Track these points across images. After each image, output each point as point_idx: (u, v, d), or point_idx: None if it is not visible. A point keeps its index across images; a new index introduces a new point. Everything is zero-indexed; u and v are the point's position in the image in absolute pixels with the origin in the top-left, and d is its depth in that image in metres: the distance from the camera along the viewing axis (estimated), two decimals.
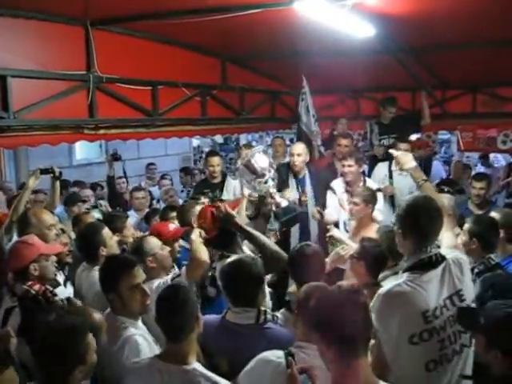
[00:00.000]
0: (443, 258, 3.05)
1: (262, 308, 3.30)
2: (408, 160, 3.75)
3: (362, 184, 6.36)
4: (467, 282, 3.11)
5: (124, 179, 8.89)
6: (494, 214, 4.59)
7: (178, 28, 5.45)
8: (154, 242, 4.22)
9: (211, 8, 5.00)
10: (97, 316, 3.16)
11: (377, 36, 5.55)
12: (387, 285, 3.10)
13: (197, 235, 4.00)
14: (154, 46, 6.30)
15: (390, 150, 4.11)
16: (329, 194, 6.42)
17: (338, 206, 6.29)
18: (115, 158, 8.11)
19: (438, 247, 3.18)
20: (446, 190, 6.07)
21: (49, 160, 10.19)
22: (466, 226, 4.23)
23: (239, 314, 3.25)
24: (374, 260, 4.06)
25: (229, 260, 3.54)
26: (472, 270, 3.94)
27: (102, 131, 5.82)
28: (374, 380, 2.25)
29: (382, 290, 2.99)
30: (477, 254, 4.10)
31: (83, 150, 11.30)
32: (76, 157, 11.25)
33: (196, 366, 2.81)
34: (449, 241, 3.29)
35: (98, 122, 5.67)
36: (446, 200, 4.84)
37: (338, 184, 6.47)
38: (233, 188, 6.88)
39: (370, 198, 5.57)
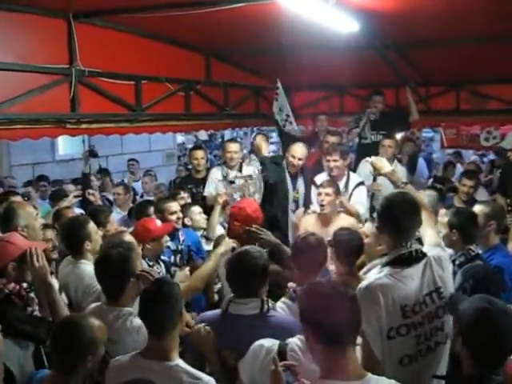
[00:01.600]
0: (424, 255, 3.06)
1: (264, 298, 3.32)
2: (383, 165, 3.80)
3: (345, 178, 6.41)
4: (447, 278, 3.13)
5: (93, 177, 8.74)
6: (481, 207, 4.62)
7: (162, 22, 5.42)
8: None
9: (195, 2, 4.98)
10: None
11: (361, 32, 5.54)
12: (368, 278, 3.11)
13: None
14: (137, 41, 6.26)
15: (366, 159, 4.12)
16: (313, 189, 6.42)
17: None
18: (92, 154, 8.00)
19: (421, 243, 3.21)
20: (438, 187, 6.14)
21: (31, 155, 10.17)
22: (446, 218, 4.26)
23: (244, 304, 3.24)
24: (346, 249, 4.07)
25: (235, 251, 3.56)
26: (453, 261, 4.06)
27: (84, 126, 5.76)
28: (362, 373, 2.28)
29: (362, 284, 3.00)
30: (457, 246, 4.16)
31: (66, 146, 11.20)
32: (59, 152, 11.17)
33: (179, 362, 2.80)
34: (431, 238, 3.30)
35: (80, 116, 5.62)
36: (426, 197, 4.92)
37: (322, 179, 6.47)
38: (215, 179, 6.85)
39: (339, 190, 5.79)
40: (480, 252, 4.23)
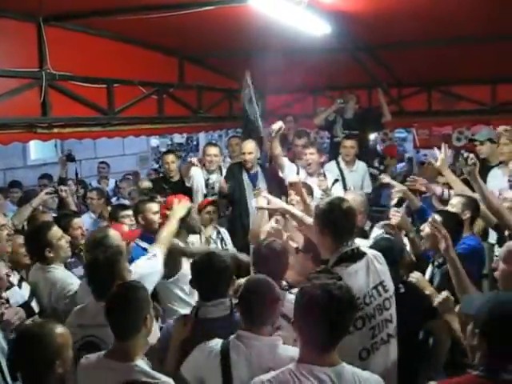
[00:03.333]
0: (364, 253, 3.24)
1: (232, 298, 3.35)
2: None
3: (322, 176, 6.41)
4: (387, 273, 3.27)
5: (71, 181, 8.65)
6: (458, 199, 4.76)
7: (134, 25, 5.39)
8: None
9: (166, 5, 4.97)
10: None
11: (333, 34, 5.58)
12: None
13: None
14: (109, 44, 6.22)
15: None
16: (312, 180, 6.35)
17: None
18: (69, 158, 7.89)
19: None
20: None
21: (2, 160, 10.01)
22: (430, 219, 4.27)
23: (215, 306, 3.25)
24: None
25: (198, 256, 3.54)
26: (432, 262, 4.21)
27: (55, 130, 5.71)
28: (337, 361, 2.50)
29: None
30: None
31: (38, 150, 11.05)
32: (30, 157, 11.01)
33: (138, 362, 2.83)
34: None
35: (52, 120, 5.55)
36: (358, 197, 5.08)
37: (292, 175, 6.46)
38: (195, 176, 6.93)
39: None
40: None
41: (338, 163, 7.25)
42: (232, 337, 2.95)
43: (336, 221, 3.21)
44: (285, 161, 6.52)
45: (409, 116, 8.57)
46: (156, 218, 5.33)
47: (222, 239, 5.99)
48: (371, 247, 3.62)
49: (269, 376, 2.50)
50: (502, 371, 2.41)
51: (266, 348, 2.89)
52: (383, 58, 7.20)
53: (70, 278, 4.29)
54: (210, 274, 3.31)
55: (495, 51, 6.38)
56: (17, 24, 5.20)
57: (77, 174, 8.72)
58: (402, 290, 3.58)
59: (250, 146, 6.69)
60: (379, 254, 3.33)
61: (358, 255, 3.20)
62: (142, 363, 2.84)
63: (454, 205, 4.70)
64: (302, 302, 2.52)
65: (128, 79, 6.47)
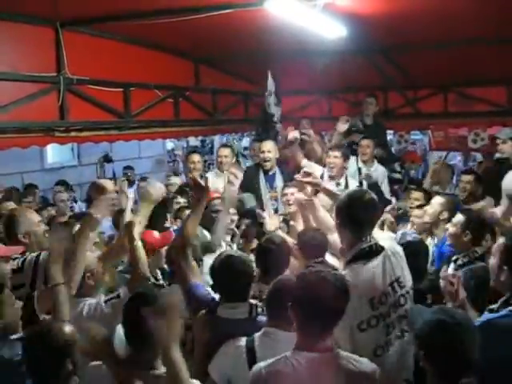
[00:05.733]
0: (382, 248, 3.17)
1: (253, 302, 3.32)
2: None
3: (344, 180, 6.37)
4: (405, 269, 3.22)
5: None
6: (438, 198, 5.14)
7: (150, 29, 5.42)
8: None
9: (182, 8, 4.99)
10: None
11: (348, 36, 5.58)
12: None
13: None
14: (125, 48, 6.27)
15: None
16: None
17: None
18: (107, 159, 8.02)
19: None
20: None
21: (20, 163, 10.08)
22: (458, 218, 4.27)
23: (232, 309, 3.23)
24: (311, 248, 4.09)
25: (220, 256, 3.52)
26: (455, 260, 4.13)
27: (73, 133, 5.76)
28: (333, 347, 2.52)
29: None
30: (465, 247, 4.15)
31: (55, 154, 11.14)
32: (48, 160, 11.09)
33: None
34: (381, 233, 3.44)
35: (69, 124, 5.61)
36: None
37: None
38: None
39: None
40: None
41: (357, 161, 7.14)
42: (257, 334, 2.96)
43: (355, 214, 3.15)
44: (311, 164, 6.39)
45: (425, 118, 8.53)
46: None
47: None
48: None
49: (266, 363, 2.53)
50: None
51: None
52: (398, 60, 7.19)
53: None
54: (228, 278, 3.28)
55: (510, 52, 6.33)
56: (34, 29, 5.26)
57: (114, 174, 8.83)
58: None
59: (269, 145, 6.61)
60: (398, 249, 3.27)
61: (375, 251, 3.14)
62: None
63: (432, 204, 5.00)
64: (298, 287, 2.56)
65: (144, 83, 6.50)
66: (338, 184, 6.25)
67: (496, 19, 5.43)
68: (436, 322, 2.44)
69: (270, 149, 6.54)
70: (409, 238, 4.64)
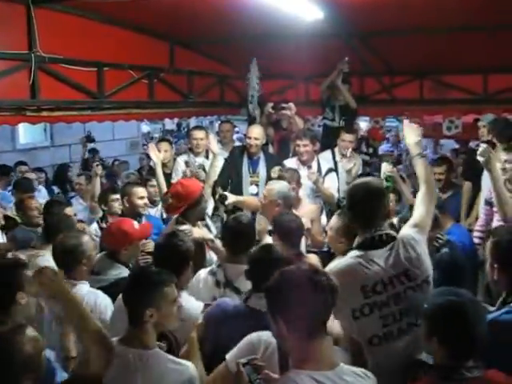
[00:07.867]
0: (393, 238, 3.10)
1: None
2: (412, 135, 3.54)
3: (316, 163, 6.44)
4: (420, 260, 3.10)
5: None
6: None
7: (126, 9, 5.34)
8: None
9: None
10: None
11: (325, 19, 5.55)
12: (330, 265, 3.23)
13: None
14: (100, 27, 6.13)
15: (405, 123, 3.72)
16: (303, 170, 6.33)
17: None
18: (89, 139, 7.99)
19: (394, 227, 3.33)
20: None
21: None
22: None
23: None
24: (287, 232, 4.19)
25: (258, 245, 3.63)
26: None
27: (44, 113, 5.66)
28: (335, 362, 2.28)
29: (329, 267, 3.10)
30: None
31: (27, 134, 10.98)
32: (20, 141, 10.93)
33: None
34: (414, 219, 3.27)
35: (41, 103, 5.49)
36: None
37: (290, 163, 6.46)
38: (180, 167, 6.84)
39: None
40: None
41: (333, 155, 7.02)
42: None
43: (359, 204, 3.14)
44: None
45: (400, 104, 8.53)
46: (141, 202, 5.30)
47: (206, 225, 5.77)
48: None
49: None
50: (462, 369, 2.42)
51: None
52: (376, 45, 7.17)
53: None
54: (264, 267, 3.14)
55: (487, 41, 6.34)
56: (5, 6, 5.09)
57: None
58: None
59: (256, 131, 6.60)
60: (416, 238, 3.15)
61: (383, 242, 3.08)
62: None
63: None
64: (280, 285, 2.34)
65: (118, 63, 6.40)
66: (309, 167, 6.30)
67: (474, 7, 5.44)
68: (448, 304, 2.50)
69: (256, 135, 6.53)
70: None
